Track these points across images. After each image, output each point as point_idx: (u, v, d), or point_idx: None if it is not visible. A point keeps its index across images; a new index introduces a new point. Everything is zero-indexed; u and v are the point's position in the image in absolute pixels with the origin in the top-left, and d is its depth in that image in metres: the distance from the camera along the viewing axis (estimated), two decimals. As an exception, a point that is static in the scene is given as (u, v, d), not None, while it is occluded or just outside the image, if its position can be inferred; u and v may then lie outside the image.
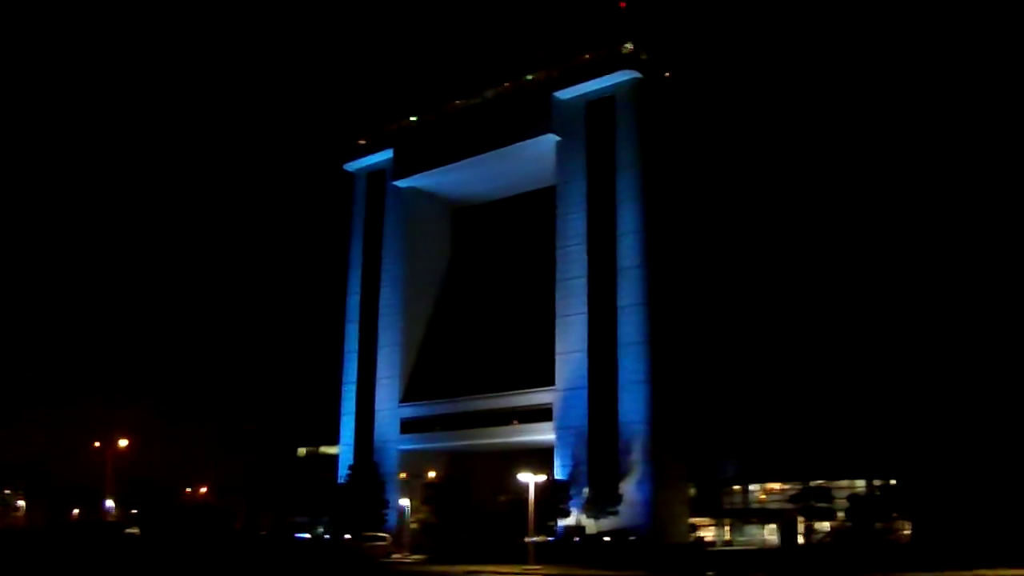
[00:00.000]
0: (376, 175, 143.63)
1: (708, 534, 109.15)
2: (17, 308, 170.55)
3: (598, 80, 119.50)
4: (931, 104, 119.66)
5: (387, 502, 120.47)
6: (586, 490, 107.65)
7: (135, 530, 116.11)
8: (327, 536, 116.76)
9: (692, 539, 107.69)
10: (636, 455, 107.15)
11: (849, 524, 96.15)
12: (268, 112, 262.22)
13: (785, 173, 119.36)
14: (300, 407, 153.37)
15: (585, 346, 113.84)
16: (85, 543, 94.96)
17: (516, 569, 79.68)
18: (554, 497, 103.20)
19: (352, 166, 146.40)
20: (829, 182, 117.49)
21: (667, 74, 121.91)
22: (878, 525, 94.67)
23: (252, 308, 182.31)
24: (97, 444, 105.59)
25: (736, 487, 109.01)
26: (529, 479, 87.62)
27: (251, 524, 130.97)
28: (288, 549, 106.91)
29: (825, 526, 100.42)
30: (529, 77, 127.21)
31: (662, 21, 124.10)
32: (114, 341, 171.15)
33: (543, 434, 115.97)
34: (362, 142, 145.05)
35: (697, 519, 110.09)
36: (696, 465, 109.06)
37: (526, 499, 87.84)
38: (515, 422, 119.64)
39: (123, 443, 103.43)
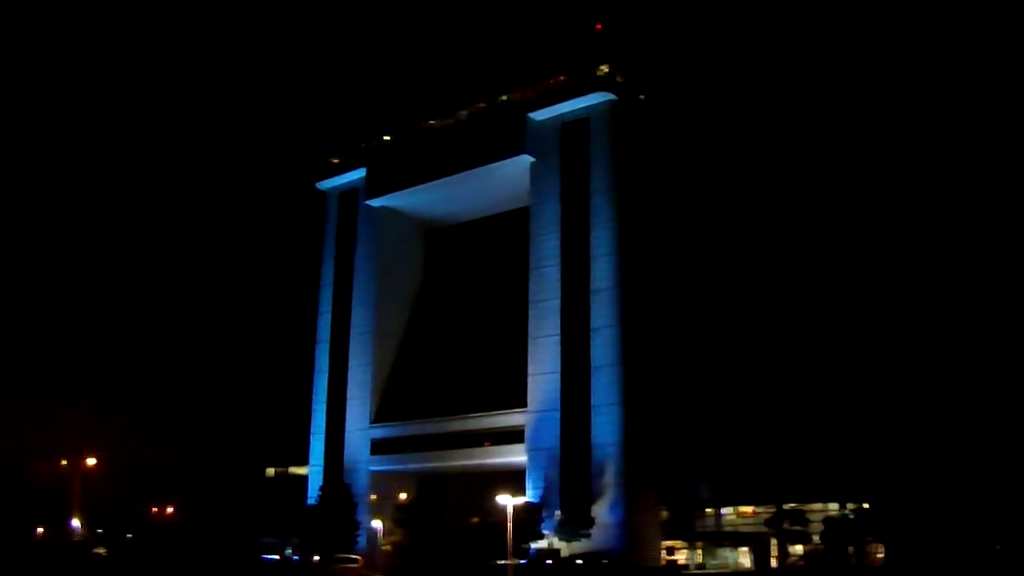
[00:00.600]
0: (349, 194, 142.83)
1: (681, 557, 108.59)
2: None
3: (573, 101, 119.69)
4: (907, 126, 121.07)
5: (358, 523, 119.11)
6: (558, 512, 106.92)
7: (102, 550, 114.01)
8: (296, 557, 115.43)
9: (665, 562, 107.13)
10: (609, 477, 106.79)
11: (822, 547, 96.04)
12: (240, 129, 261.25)
13: (759, 196, 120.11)
14: (269, 427, 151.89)
15: (558, 368, 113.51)
16: (50, 564, 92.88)
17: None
18: (527, 519, 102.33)
19: (324, 184, 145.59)
20: (802, 206, 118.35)
21: (641, 96, 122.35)
22: (851, 549, 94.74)
23: (222, 326, 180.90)
24: (64, 462, 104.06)
25: (709, 510, 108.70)
26: (507, 501, 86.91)
27: (218, 545, 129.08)
28: (255, 570, 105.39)
29: (799, 549, 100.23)
30: (504, 98, 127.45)
31: (637, 44, 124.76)
32: (82, 357, 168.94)
33: (515, 456, 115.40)
34: (335, 160, 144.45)
35: (670, 542, 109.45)
36: (669, 487, 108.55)
37: (497, 521, 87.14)
38: (487, 443, 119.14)
39: (91, 461, 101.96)
